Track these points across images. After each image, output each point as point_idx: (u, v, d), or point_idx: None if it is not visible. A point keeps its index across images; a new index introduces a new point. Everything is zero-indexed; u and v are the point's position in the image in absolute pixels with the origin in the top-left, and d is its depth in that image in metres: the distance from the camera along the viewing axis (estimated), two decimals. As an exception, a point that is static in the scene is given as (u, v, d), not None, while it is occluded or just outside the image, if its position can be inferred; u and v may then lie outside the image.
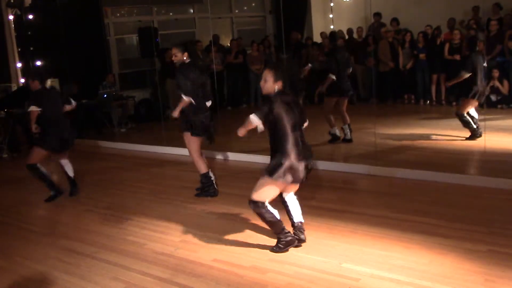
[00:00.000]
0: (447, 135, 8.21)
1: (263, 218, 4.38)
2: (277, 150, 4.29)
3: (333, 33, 8.94)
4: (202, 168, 6.15)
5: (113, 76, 11.69)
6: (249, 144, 7.98)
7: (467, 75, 7.64)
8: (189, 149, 6.13)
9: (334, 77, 8.00)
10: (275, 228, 4.42)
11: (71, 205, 6.30)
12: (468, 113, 7.79)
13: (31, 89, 6.41)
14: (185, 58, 5.97)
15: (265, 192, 4.33)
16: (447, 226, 4.71)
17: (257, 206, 4.33)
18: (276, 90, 4.34)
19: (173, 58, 6.02)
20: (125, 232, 5.22)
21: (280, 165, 4.21)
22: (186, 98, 5.87)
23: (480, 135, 7.63)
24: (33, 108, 6.19)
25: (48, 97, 6.37)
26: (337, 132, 8.30)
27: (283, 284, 3.88)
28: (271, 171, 4.25)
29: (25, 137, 10.11)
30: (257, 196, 4.33)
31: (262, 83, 4.40)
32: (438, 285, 3.68)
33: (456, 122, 8.18)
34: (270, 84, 4.34)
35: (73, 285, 4.16)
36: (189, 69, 5.89)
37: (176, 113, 6.01)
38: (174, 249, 4.69)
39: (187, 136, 6.08)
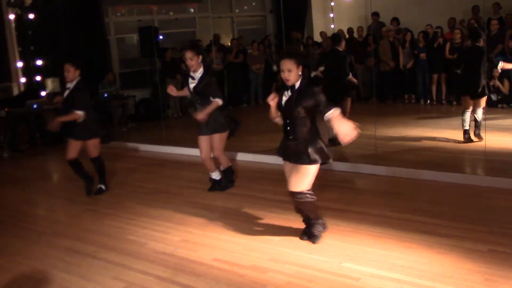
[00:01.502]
0: (448, 134, 8.20)
1: (308, 206, 4.40)
2: (308, 135, 4.26)
3: (335, 36, 8.76)
4: (227, 162, 6.25)
5: (113, 75, 11.68)
6: (251, 144, 7.99)
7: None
8: (219, 147, 6.03)
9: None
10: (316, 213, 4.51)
11: (72, 204, 6.30)
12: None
13: (70, 79, 6.12)
14: (199, 61, 5.86)
15: (310, 180, 4.36)
16: (448, 225, 4.71)
17: (304, 195, 4.35)
18: (301, 76, 4.22)
19: (188, 61, 5.82)
20: (125, 232, 5.22)
21: (322, 148, 4.28)
22: (220, 101, 5.84)
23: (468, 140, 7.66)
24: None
25: None
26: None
27: (283, 284, 3.88)
28: (317, 157, 4.26)
29: (28, 136, 10.13)
30: (302, 186, 4.32)
31: (285, 75, 4.18)
32: (438, 285, 3.68)
33: (456, 121, 8.18)
34: (295, 71, 4.18)
35: (73, 285, 4.16)
36: (213, 73, 5.95)
37: (204, 116, 5.83)
38: (174, 248, 4.68)
39: (220, 136, 5.98)
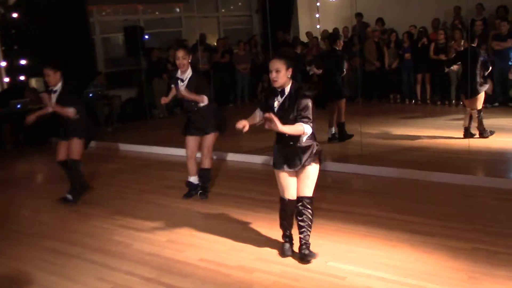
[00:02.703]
0: (432, 134, 8.27)
1: (311, 215, 4.23)
2: (297, 139, 4.10)
3: (332, 35, 8.95)
4: (210, 164, 6.10)
5: (103, 77, 11.58)
6: (237, 144, 7.98)
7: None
8: (209, 146, 5.93)
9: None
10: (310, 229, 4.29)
11: (57, 205, 6.24)
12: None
13: (53, 83, 6.00)
14: (189, 61, 5.79)
15: (315, 182, 4.23)
16: (432, 224, 4.76)
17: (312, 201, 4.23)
18: (290, 79, 4.10)
19: (180, 60, 5.72)
20: (111, 232, 5.19)
21: (320, 150, 4.18)
22: (205, 99, 5.74)
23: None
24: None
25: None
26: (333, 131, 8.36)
27: (269, 283, 3.89)
28: (320, 156, 4.18)
29: (12, 136, 10.02)
30: (311, 190, 4.20)
31: (273, 75, 4.04)
32: (423, 283, 3.71)
33: (441, 121, 8.24)
34: (283, 72, 4.04)
35: (59, 286, 4.13)
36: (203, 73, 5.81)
37: (187, 94, 5.66)
38: (160, 249, 4.67)
39: (212, 135, 5.89)
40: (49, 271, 4.40)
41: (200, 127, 5.88)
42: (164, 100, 6.01)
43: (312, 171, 4.17)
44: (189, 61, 5.83)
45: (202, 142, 5.96)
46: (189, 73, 5.81)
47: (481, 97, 7.69)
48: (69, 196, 6.20)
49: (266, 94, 4.29)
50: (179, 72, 5.86)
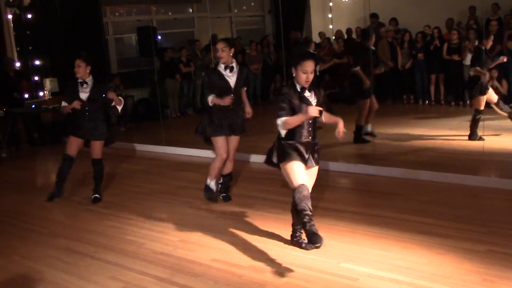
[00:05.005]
0: (446, 134, 8.21)
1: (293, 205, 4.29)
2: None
3: (364, 31, 9.04)
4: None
5: (119, 79, 11.64)
6: (249, 144, 7.97)
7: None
8: (235, 149, 5.79)
9: None
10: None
11: (70, 204, 6.29)
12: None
13: (81, 74, 6.02)
14: (231, 54, 5.56)
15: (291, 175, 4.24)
16: (446, 226, 4.72)
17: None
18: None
19: (220, 52, 5.46)
20: (124, 232, 5.22)
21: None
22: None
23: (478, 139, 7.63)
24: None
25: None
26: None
27: (282, 284, 3.88)
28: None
29: (27, 136, 10.13)
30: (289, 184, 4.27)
31: (310, 77, 4.17)
32: (437, 285, 3.68)
33: (455, 121, 8.16)
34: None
35: (72, 285, 4.16)
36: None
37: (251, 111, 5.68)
38: (172, 248, 4.68)
39: (238, 138, 5.77)
40: (62, 269, 4.43)
41: (235, 127, 5.67)
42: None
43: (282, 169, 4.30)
44: (232, 54, 5.56)
45: (229, 145, 5.71)
46: (237, 66, 5.63)
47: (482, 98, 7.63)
48: (98, 196, 6.29)
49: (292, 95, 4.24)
50: (221, 65, 5.58)
